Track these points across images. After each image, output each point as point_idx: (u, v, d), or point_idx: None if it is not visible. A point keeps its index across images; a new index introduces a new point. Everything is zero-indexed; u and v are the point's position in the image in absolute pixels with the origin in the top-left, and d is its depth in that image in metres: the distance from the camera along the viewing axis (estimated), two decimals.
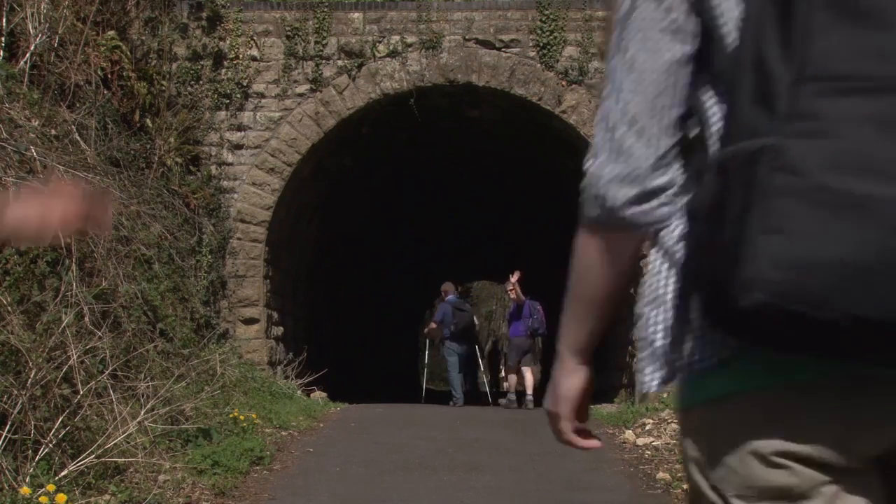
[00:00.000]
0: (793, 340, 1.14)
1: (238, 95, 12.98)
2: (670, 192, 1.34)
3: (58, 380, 6.65)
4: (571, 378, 1.51)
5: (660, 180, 1.33)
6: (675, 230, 1.34)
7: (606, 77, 1.46)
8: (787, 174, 1.11)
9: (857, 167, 1.09)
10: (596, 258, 1.40)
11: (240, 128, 13.03)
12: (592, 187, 1.37)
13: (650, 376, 1.36)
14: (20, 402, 6.21)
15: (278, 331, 13.70)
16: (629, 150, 1.34)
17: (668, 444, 9.55)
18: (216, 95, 12.96)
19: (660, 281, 1.36)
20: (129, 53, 11.97)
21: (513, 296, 14.69)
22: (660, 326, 1.34)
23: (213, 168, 12.96)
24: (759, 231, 1.12)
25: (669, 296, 1.34)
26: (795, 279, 1.09)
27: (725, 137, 1.23)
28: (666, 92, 1.34)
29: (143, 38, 12.83)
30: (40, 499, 5.66)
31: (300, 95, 13.05)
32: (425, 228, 21.57)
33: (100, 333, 7.55)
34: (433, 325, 15.98)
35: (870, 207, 1.07)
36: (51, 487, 5.79)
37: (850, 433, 1.21)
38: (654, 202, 1.34)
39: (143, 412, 7.20)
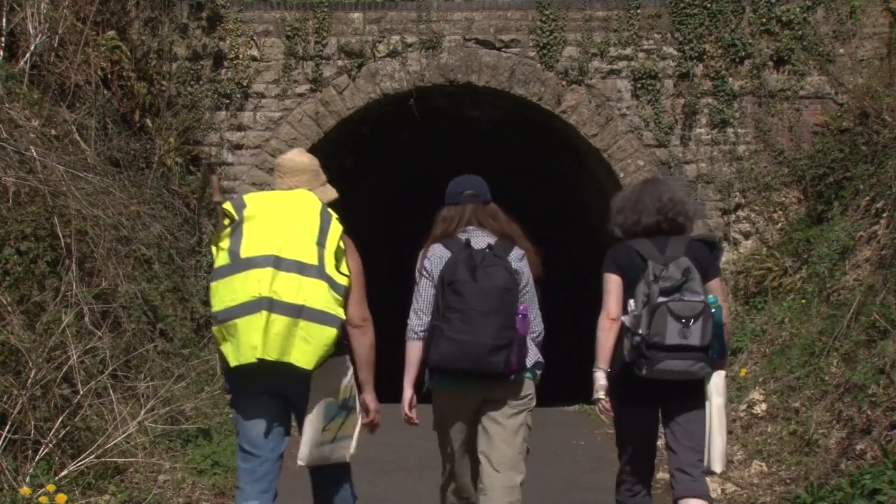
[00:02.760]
0: (446, 374, 4.53)
1: (238, 95, 12.98)
2: (427, 331, 4.62)
3: (58, 380, 6.65)
4: (408, 393, 4.75)
5: (426, 327, 4.61)
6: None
7: (414, 294, 4.70)
8: (441, 332, 4.46)
9: (456, 331, 4.42)
10: (412, 350, 4.69)
11: (240, 128, 13.03)
12: (410, 326, 4.68)
13: (427, 388, 4.68)
14: (20, 402, 6.22)
15: None
16: (420, 316, 4.66)
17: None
18: (216, 95, 12.96)
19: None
20: (129, 53, 11.96)
21: None
22: (427, 375, 4.64)
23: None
24: (433, 347, 4.50)
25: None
26: (439, 358, 4.47)
27: (434, 319, 4.57)
28: (430, 303, 4.62)
29: (143, 38, 12.82)
30: (40, 499, 5.66)
31: (300, 95, 13.05)
32: (425, 228, 21.58)
33: (100, 333, 7.55)
34: None
35: (457, 340, 4.40)
36: (51, 487, 5.80)
37: (461, 399, 4.63)
38: (424, 333, 4.63)
39: (143, 412, 7.21)
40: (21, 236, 7.58)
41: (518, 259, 4.62)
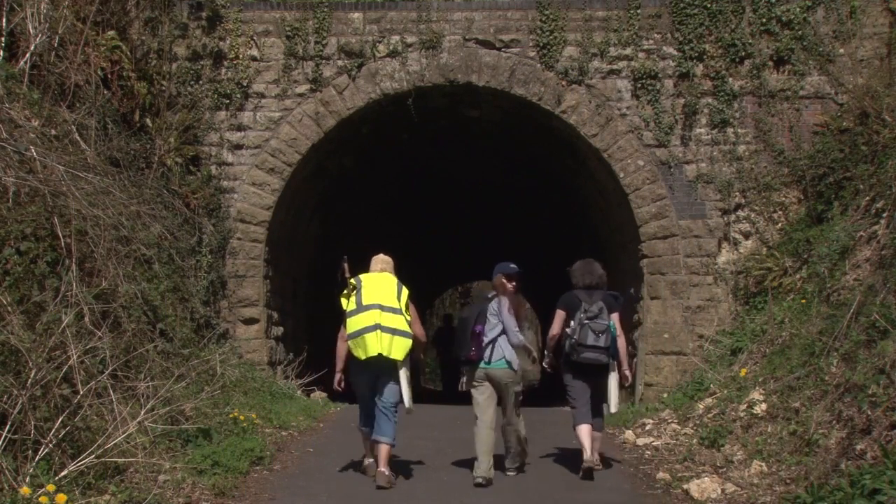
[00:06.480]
0: (473, 363, 8.37)
1: (238, 95, 12.98)
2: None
3: (58, 380, 6.64)
4: (464, 371, 8.79)
5: (517, 342, 8.48)
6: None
7: (505, 321, 8.35)
8: (478, 341, 8.35)
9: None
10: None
11: (240, 128, 13.04)
12: (512, 338, 8.34)
13: (462, 382, 8.64)
14: (20, 402, 6.21)
15: (278, 331, 13.69)
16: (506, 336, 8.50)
17: (667, 444, 9.54)
18: (216, 95, 12.96)
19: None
20: (129, 53, 11.96)
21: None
22: (464, 371, 8.63)
23: (213, 168, 12.95)
24: (461, 349, 8.41)
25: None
26: (471, 354, 8.30)
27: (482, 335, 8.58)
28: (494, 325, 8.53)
29: (143, 38, 12.82)
30: (40, 499, 5.66)
31: (300, 95, 13.05)
32: (425, 228, 21.58)
33: (100, 333, 7.54)
34: None
35: (485, 347, 8.36)
36: (51, 487, 5.79)
37: (483, 374, 8.36)
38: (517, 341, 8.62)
39: (143, 412, 7.20)
40: (21, 236, 7.58)
41: (507, 309, 8.24)
